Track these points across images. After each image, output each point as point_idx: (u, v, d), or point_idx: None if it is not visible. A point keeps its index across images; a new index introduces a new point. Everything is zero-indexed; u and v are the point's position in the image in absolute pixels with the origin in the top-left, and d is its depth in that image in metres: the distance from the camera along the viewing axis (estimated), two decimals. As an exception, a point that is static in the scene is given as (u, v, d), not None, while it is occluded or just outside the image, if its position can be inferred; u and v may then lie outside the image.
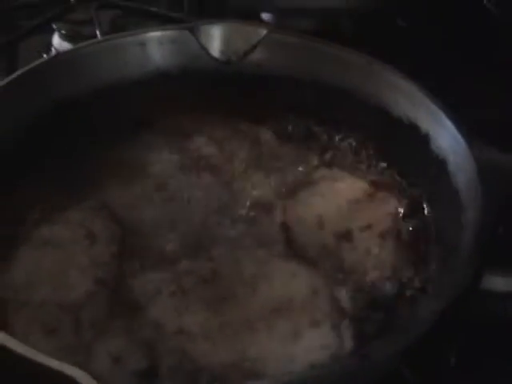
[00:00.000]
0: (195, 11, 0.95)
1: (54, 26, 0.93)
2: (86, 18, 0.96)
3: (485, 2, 0.86)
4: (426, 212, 0.60)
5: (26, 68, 0.63)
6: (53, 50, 0.91)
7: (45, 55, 0.88)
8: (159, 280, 0.55)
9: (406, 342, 0.44)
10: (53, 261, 0.57)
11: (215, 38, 0.69)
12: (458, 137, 0.56)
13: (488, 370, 0.60)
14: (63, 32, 0.91)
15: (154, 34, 0.68)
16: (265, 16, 0.91)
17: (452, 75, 0.77)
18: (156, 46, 0.69)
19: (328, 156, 0.66)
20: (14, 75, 0.64)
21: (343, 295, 0.53)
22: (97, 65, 0.66)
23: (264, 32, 0.68)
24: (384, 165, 0.65)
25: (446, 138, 0.58)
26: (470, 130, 0.57)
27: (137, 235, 0.59)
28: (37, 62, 0.65)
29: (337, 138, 0.68)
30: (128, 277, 0.55)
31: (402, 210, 0.60)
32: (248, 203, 0.62)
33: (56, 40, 0.92)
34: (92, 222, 0.59)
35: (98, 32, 0.89)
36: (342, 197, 0.62)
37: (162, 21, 0.89)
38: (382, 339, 0.47)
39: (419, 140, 0.61)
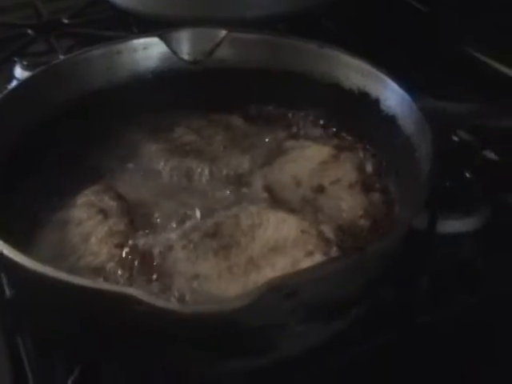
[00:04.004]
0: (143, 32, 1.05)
1: (16, 59, 1.01)
2: (45, 48, 1.05)
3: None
4: (385, 160, 0.70)
5: (24, 79, 0.72)
6: (15, 81, 0.99)
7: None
8: (170, 238, 0.63)
9: (392, 242, 0.54)
10: (74, 235, 0.64)
11: (182, 42, 0.78)
12: (404, 94, 0.67)
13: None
14: (25, 63, 0.99)
15: (129, 43, 0.78)
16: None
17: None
18: (131, 53, 0.78)
19: (293, 130, 0.77)
20: (12, 87, 0.72)
21: (328, 231, 0.62)
22: (84, 73, 0.75)
23: (224, 32, 0.78)
24: (343, 131, 0.75)
25: (393, 97, 0.69)
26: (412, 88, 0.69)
27: (142, 207, 0.67)
28: (32, 73, 0.73)
29: (299, 115, 0.78)
30: (143, 240, 0.63)
31: (364, 164, 0.71)
32: (232, 174, 0.71)
33: (18, 71, 0.99)
34: (101, 201, 0.67)
35: (61, 57, 0.97)
36: (311, 160, 0.72)
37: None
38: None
39: (370, 104, 0.71)
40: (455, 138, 0.80)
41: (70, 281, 0.50)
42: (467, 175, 0.77)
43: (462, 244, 0.76)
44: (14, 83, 0.86)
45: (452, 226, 0.75)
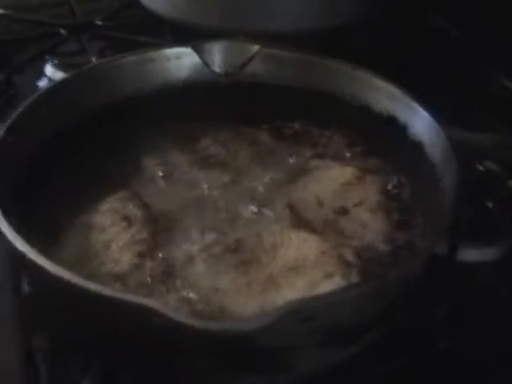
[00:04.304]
0: (176, 40, 1.06)
1: (47, 57, 1.02)
2: (76, 48, 1.06)
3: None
4: (409, 186, 0.70)
5: (57, 81, 0.73)
6: (46, 80, 1.00)
7: (40, 84, 0.98)
8: (191, 250, 0.64)
9: (412, 270, 0.54)
10: (96, 241, 0.65)
11: (215, 54, 0.79)
12: (432, 122, 0.67)
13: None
14: (56, 62, 0.99)
15: (162, 52, 0.78)
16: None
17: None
18: (163, 61, 0.78)
19: (319, 149, 0.77)
20: (43, 89, 0.73)
21: (348, 254, 0.63)
22: (116, 79, 0.75)
23: (257, 47, 0.79)
24: (369, 153, 0.75)
25: (421, 124, 0.69)
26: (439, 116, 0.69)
27: (166, 218, 0.67)
28: (65, 76, 0.74)
29: (326, 134, 0.78)
30: (164, 250, 0.64)
31: (387, 188, 0.71)
32: (256, 190, 0.71)
33: (49, 70, 0.99)
34: (126, 208, 0.67)
35: (93, 60, 0.98)
36: (335, 181, 0.72)
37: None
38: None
39: (398, 129, 0.72)
40: (480, 167, 0.80)
41: (88, 287, 0.51)
42: (489, 205, 0.77)
43: (484, 272, 0.76)
44: (46, 83, 0.88)
45: (473, 254, 0.75)
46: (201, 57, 0.78)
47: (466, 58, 1.01)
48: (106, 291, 0.51)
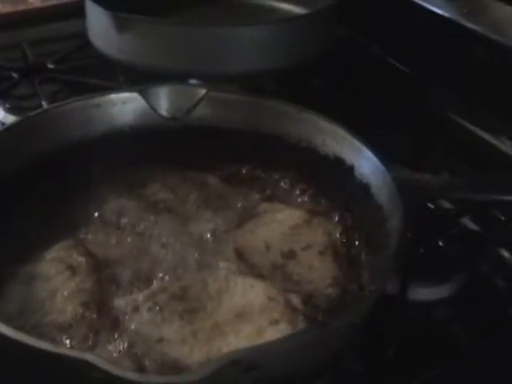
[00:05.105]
0: (128, 81, 1.06)
1: (-1, 101, 1.01)
2: (28, 92, 1.05)
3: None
4: (356, 228, 0.70)
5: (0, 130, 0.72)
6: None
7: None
8: (136, 299, 0.63)
9: (357, 315, 0.54)
10: (40, 291, 0.64)
11: (161, 98, 0.79)
12: (378, 163, 0.68)
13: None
14: (7, 106, 0.99)
15: (108, 97, 0.78)
16: (192, 82, 1.01)
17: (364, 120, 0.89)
18: (109, 107, 0.78)
19: (268, 193, 0.76)
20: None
21: (295, 299, 0.62)
22: (61, 125, 0.75)
23: (204, 91, 0.79)
24: (317, 195, 0.75)
25: (367, 166, 0.69)
26: (386, 157, 0.69)
27: (111, 266, 0.67)
28: (11, 123, 0.73)
29: (274, 177, 0.78)
30: (109, 299, 0.63)
31: (335, 230, 0.71)
32: (204, 235, 0.71)
33: (0, 114, 0.99)
34: (70, 257, 0.67)
35: (43, 103, 0.98)
36: (283, 224, 0.71)
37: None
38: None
39: (345, 171, 0.72)
40: (431, 206, 0.80)
41: (27, 342, 0.50)
42: (441, 242, 0.77)
43: (435, 310, 0.75)
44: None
45: (425, 293, 0.75)
46: (147, 101, 0.77)
47: (422, 96, 1.02)
48: (44, 346, 0.50)
